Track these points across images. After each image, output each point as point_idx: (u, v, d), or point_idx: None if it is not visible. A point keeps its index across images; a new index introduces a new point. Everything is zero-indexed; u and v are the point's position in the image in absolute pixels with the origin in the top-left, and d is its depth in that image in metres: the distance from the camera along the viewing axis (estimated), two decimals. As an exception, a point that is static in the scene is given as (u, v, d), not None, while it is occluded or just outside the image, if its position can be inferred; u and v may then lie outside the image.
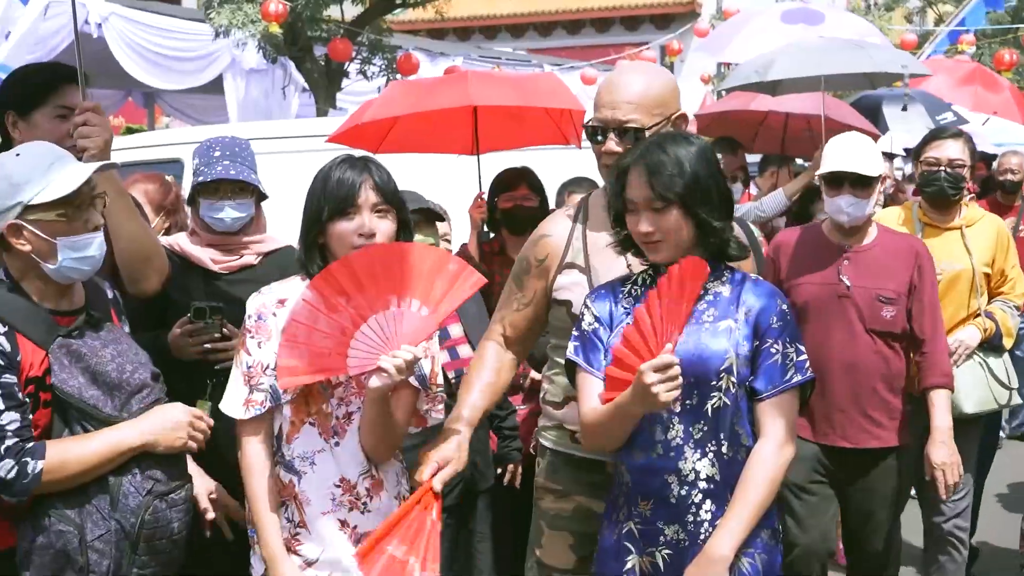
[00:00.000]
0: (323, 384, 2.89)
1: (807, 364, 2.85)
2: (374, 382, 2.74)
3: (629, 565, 2.84)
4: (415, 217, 3.78)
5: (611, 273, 3.06)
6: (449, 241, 4.59)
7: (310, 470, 2.91)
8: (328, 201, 2.85)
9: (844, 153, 4.10)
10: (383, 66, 13.62)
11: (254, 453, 2.94)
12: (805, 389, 2.88)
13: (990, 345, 4.63)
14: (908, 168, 7.19)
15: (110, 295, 3.04)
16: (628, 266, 3.05)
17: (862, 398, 4.03)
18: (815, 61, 5.85)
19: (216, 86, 13.81)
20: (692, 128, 3.75)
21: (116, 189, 3.19)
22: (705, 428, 2.76)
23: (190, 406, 3.55)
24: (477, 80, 5.42)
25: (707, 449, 2.76)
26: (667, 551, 2.79)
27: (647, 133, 2.99)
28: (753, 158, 8.38)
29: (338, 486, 2.91)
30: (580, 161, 5.75)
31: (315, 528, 2.91)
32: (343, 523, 2.92)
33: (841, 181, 4.06)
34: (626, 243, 2.94)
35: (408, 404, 2.97)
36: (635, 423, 2.78)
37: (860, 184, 4.03)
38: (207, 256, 3.80)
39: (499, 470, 4.44)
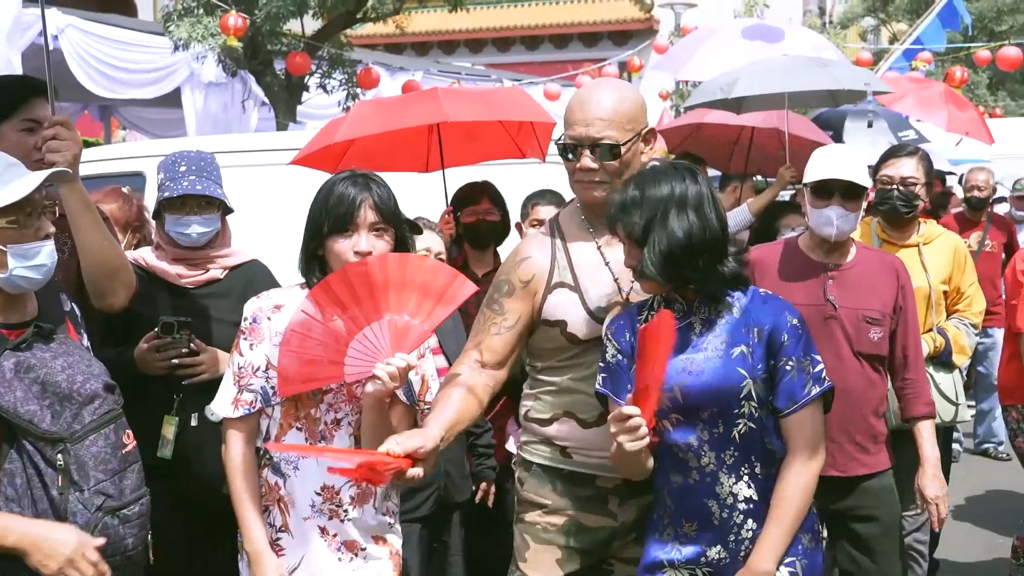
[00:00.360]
0: (313, 390, 2.93)
1: (823, 373, 2.91)
2: (369, 388, 2.80)
3: None
4: None
5: (599, 289, 3.08)
6: (443, 260, 4.46)
7: (294, 474, 2.96)
8: (328, 216, 2.92)
9: (834, 161, 3.89)
10: (343, 80, 13.59)
11: (238, 453, 2.98)
12: (827, 396, 2.95)
13: (939, 361, 4.63)
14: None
15: (67, 308, 3.00)
16: (616, 280, 3.07)
17: (851, 425, 3.83)
18: (779, 79, 5.89)
19: (174, 99, 13.71)
20: (660, 144, 3.65)
21: (82, 202, 3.17)
22: (736, 453, 2.85)
23: (157, 421, 3.61)
24: (448, 96, 5.39)
25: (741, 472, 2.85)
26: (707, 569, 2.89)
27: (622, 149, 3.01)
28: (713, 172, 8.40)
29: (319, 493, 2.95)
30: (538, 174, 5.77)
31: (297, 532, 2.96)
32: (323, 530, 2.97)
33: (831, 191, 3.83)
34: None
35: (405, 420, 3.02)
36: (640, 460, 2.83)
37: (851, 195, 3.83)
38: (173, 271, 3.76)
39: (472, 487, 4.42)
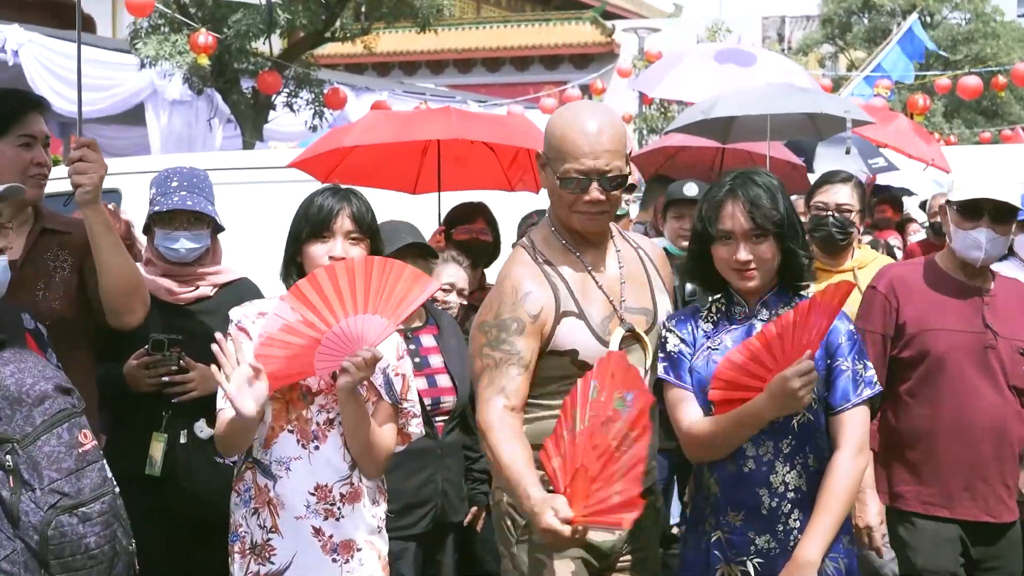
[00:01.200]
0: (303, 392, 3.05)
1: (875, 378, 3.05)
2: (341, 380, 2.92)
3: (718, 574, 3.00)
4: (411, 251, 4.01)
5: (599, 312, 3.09)
6: (463, 295, 4.47)
7: (286, 475, 3.01)
8: (307, 223, 3.08)
9: (985, 180, 3.63)
10: (310, 99, 13.59)
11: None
12: (874, 400, 3.08)
13: None
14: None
15: (30, 326, 2.96)
16: (610, 301, 3.09)
17: (1005, 465, 3.55)
18: (760, 101, 5.93)
19: (136, 117, 13.62)
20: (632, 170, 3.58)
21: (104, 224, 3.23)
22: (793, 443, 2.97)
23: (146, 438, 3.60)
24: (459, 116, 5.46)
25: (795, 462, 2.96)
26: (758, 559, 2.96)
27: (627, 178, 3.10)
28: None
29: (313, 493, 3.00)
30: (530, 197, 5.85)
31: (287, 533, 3.00)
32: (317, 530, 3.00)
33: (980, 212, 3.55)
34: (708, 281, 3.14)
35: (387, 418, 3.10)
36: (753, 431, 2.93)
37: (1002, 216, 3.57)
38: (164, 287, 3.72)
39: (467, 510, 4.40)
